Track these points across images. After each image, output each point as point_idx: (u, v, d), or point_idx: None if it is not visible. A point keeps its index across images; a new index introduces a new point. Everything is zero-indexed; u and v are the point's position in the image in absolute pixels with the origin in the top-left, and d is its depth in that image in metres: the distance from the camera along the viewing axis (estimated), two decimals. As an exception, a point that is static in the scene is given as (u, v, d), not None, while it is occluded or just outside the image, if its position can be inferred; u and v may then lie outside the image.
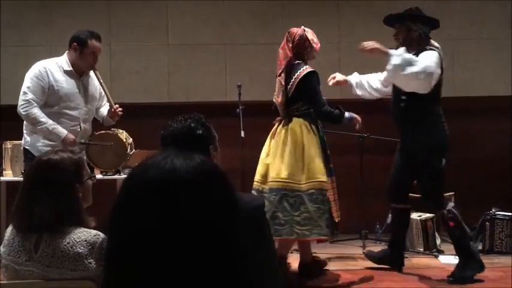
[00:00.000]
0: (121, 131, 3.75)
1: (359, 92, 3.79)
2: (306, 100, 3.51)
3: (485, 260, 4.19)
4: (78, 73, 3.58)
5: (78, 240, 1.58)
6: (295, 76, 3.48)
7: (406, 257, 4.24)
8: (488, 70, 5.25)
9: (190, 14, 5.22)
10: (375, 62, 3.91)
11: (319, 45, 3.56)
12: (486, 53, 5.26)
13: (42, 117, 3.45)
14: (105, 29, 5.03)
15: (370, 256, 3.85)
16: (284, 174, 3.41)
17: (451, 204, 3.62)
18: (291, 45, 3.51)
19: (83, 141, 3.56)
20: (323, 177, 3.43)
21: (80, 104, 3.57)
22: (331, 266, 3.80)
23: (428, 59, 3.40)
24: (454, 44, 5.26)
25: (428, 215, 4.49)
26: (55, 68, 3.54)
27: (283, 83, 3.53)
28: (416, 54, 3.49)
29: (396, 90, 3.59)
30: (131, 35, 5.20)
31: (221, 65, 5.21)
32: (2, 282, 1.67)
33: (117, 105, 3.63)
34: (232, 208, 0.91)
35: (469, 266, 3.53)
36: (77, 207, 1.66)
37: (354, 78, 3.81)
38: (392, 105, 3.66)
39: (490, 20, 5.27)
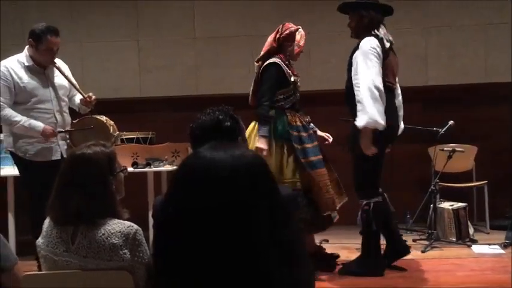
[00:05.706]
0: (100, 116, 3.67)
1: None
2: None
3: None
4: (40, 66, 3.48)
5: (112, 231, 1.63)
6: (263, 66, 3.52)
7: (438, 247, 4.19)
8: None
9: (215, 7, 5.24)
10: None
11: (300, 49, 3.56)
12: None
13: (15, 117, 3.38)
14: (133, 24, 5.10)
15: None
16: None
17: (375, 199, 3.45)
18: (278, 36, 3.56)
19: (62, 129, 3.50)
20: None
21: (50, 96, 3.50)
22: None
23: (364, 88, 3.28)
24: (485, 29, 5.13)
25: (460, 204, 4.43)
26: (16, 65, 3.45)
27: (256, 71, 3.58)
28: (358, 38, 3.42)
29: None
30: (158, 30, 5.25)
31: (247, 56, 5.21)
32: (41, 272, 1.73)
33: (89, 94, 3.56)
34: (274, 194, 0.99)
35: (365, 264, 3.45)
36: (111, 199, 1.70)
37: None
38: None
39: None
